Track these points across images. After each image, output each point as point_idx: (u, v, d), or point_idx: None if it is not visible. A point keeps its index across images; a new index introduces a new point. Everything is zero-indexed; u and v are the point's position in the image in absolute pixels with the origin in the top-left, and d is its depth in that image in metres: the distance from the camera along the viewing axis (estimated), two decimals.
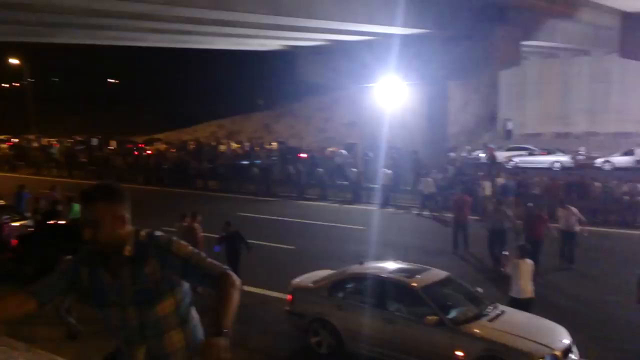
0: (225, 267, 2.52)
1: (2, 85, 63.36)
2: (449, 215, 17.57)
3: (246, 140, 38.04)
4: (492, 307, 8.13)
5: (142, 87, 65.93)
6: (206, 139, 39.78)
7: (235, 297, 2.38)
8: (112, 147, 37.96)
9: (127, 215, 2.51)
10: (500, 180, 19.42)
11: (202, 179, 27.51)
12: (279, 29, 19.64)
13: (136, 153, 33.53)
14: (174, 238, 2.56)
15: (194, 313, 2.72)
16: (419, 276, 8.46)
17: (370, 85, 24.82)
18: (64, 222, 14.99)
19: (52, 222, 15.01)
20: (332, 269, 10.04)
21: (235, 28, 18.90)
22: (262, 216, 20.05)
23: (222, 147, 32.90)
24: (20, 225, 15.35)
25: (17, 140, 44.11)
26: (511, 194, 18.11)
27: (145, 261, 2.45)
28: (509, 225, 13.14)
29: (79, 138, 43.02)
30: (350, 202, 22.18)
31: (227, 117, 49.15)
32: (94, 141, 41.48)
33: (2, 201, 17.80)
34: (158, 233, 2.55)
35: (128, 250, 2.46)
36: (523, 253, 9.04)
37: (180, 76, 63.33)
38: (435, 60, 22.36)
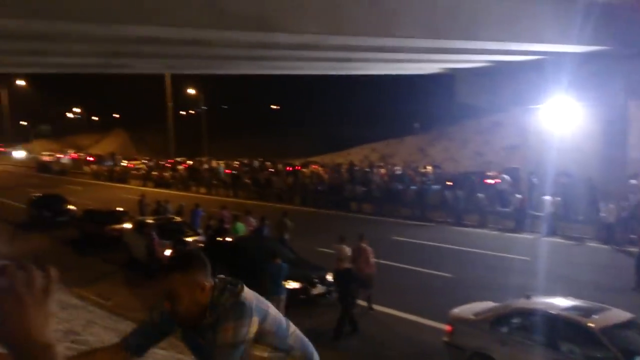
0: None
1: (181, 112, 70.75)
2: (632, 249, 15.69)
3: (400, 164, 37.92)
4: None
5: (300, 112, 69.25)
6: (360, 162, 40.34)
7: None
8: (272, 169, 40.06)
9: (207, 281, 2.43)
10: None
11: (356, 202, 27.83)
12: (438, 52, 19.33)
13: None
14: (232, 317, 2.38)
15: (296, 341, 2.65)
16: (596, 316, 7.61)
17: (536, 106, 23.30)
18: (230, 239, 16.09)
19: (220, 238, 16.21)
20: (493, 300, 9.46)
21: (395, 53, 18.99)
22: (417, 241, 19.70)
23: (375, 171, 33.08)
24: (193, 240, 16.78)
25: (191, 162, 48.66)
26: None
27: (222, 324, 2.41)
28: None
29: (245, 161, 46.08)
30: (512, 230, 20.88)
31: (381, 141, 49.51)
32: (256, 163, 44.24)
33: (178, 218, 19.61)
34: (226, 290, 2.45)
35: (207, 315, 2.41)
36: None
37: (336, 100, 65.41)
38: (615, 80, 20.28)
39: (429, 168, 33.58)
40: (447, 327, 9.04)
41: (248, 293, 2.48)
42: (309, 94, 65.54)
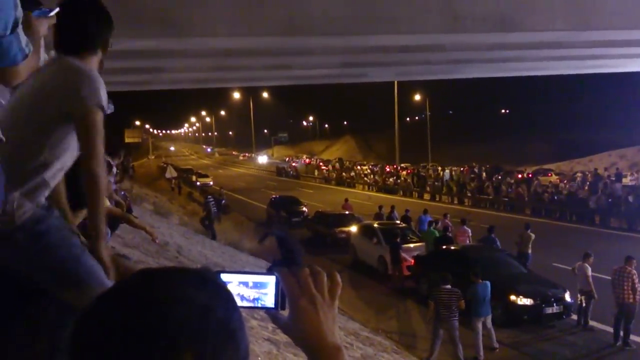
0: None
1: (406, 119, 71.96)
2: None
3: None
4: None
5: (533, 116, 64.96)
6: (604, 171, 36.05)
7: None
8: (499, 177, 38.23)
9: None
10: None
11: (600, 215, 24.96)
12: None
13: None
14: None
15: None
16: None
17: None
18: (454, 247, 15.64)
19: (444, 246, 15.86)
20: None
21: None
22: None
23: (625, 180, 29.40)
24: (416, 246, 16.69)
25: (413, 168, 48.97)
26: None
27: None
28: None
29: (474, 167, 44.82)
30: None
31: (630, 147, 43.78)
32: (482, 170, 42.58)
33: (402, 223, 19.68)
34: None
35: None
36: None
37: (575, 102, 60.05)
38: None
39: None
40: None
41: None
42: (543, 96, 61.22)
